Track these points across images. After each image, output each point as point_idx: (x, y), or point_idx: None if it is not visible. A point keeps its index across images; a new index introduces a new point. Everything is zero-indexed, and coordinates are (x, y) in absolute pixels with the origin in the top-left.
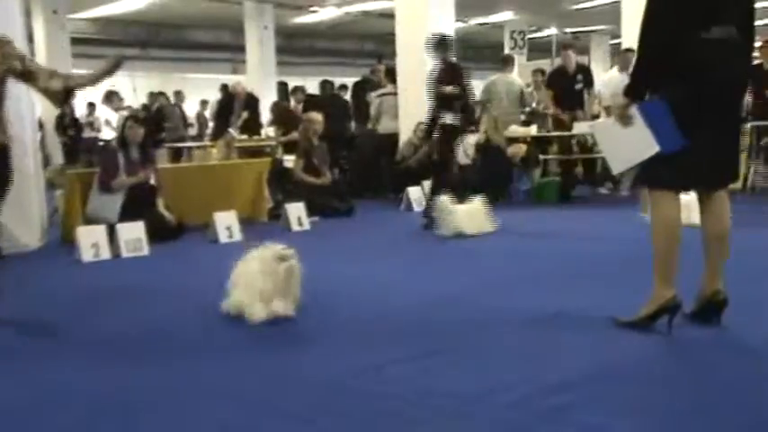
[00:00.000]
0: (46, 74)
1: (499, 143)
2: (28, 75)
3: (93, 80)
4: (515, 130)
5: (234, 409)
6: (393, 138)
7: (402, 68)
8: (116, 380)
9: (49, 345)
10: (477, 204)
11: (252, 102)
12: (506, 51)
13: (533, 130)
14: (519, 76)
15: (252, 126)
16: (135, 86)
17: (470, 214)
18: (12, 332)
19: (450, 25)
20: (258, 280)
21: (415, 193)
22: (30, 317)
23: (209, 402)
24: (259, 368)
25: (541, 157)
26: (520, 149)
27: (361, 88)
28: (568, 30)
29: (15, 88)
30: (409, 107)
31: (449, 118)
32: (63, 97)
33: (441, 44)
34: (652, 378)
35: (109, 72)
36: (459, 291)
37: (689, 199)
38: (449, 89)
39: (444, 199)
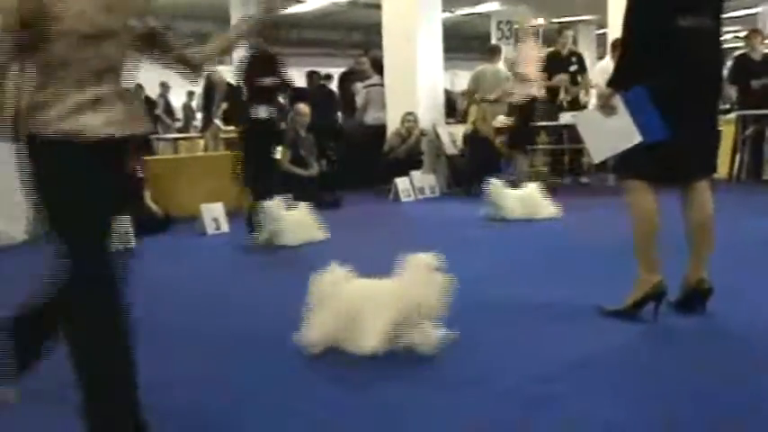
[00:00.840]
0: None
1: (487, 133)
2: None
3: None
4: (502, 120)
5: None
6: (380, 129)
7: (389, 59)
8: None
9: None
10: (303, 211)
11: (233, 92)
12: (493, 41)
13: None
14: (506, 65)
15: (235, 116)
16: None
17: (298, 222)
18: None
19: (437, 15)
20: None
21: (403, 184)
22: None
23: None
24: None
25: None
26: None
27: (348, 79)
28: (555, 20)
29: None
30: (396, 98)
31: (262, 112)
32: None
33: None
34: (638, 366)
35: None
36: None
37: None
38: (268, 81)
39: (272, 205)
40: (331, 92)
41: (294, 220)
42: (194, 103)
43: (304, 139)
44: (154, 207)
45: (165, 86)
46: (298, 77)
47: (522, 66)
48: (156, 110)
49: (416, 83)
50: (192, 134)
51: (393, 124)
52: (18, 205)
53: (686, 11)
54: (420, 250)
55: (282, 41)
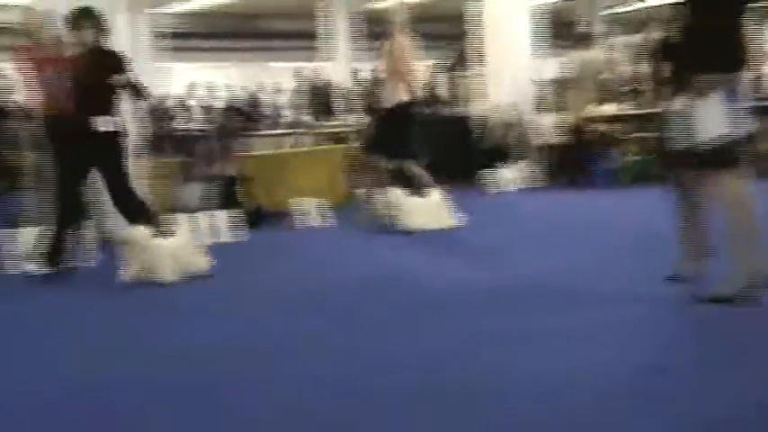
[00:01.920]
0: None
1: (581, 123)
2: None
3: None
4: (596, 109)
5: None
6: (470, 120)
7: (479, 50)
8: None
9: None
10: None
11: (323, 88)
12: (587, 28)
13: (612, 108)
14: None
15: (325, 112)
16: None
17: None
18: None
19: (527, 4)
20: None
21: (497, 175)
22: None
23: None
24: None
25: (622, 136)
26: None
27: (440, 71)
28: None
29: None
30: (491, 88)
31: (102, 123)
32: None
33: (81, 20)
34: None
35: None
36: (532, 274)
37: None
38: (122, 79)
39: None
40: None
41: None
42: (283, 100)
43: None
44: (248, 202)
45: (260, 85)
46: None
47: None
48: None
49: (507, 73)
50: (283, 130)
51: (483, 115)
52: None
53: None
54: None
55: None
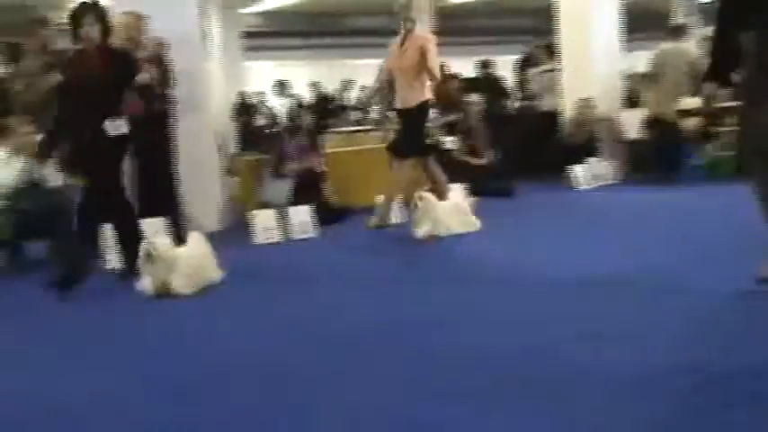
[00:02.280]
0: None
1: (670, 117)
2: None
3: None
4: (688, 102)
5: None
6: (555, 115)
7: (564, 43)
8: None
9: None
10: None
11: None
12: (678, 20)
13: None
14: (697, 44)
15: None
16: (302, 76)
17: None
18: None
19: None
20: None
21: (580, 171)
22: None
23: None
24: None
25: (714, 130)
26: (694, 123)
27: (523, 66)
28: None
29: (193, 71)
30: (572, 83)
31: (112, 127)
32: None
33: (87, 15)
34: None
35: None
36: (615, 270)
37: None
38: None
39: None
40: (497, 79)
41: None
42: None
43: (476, 129)
44: (332, 198)
45: (347, 83)
46: (467, 66)
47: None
48: (331, 104)
49: (592, 67)
50: (367, 126)
51: (569, 110)
52: (211, 197)
53: None
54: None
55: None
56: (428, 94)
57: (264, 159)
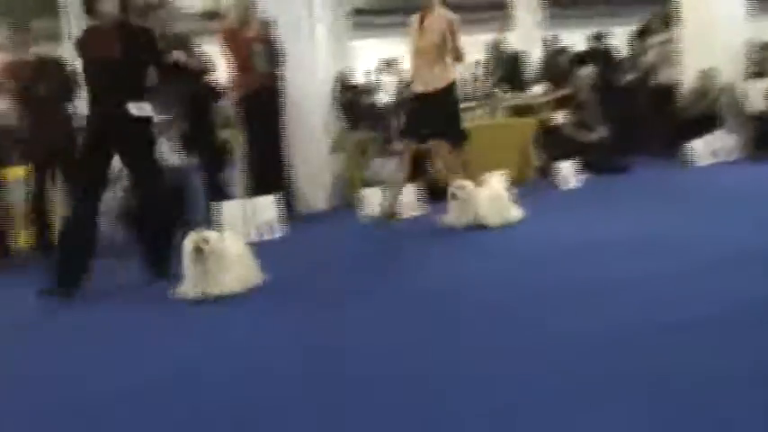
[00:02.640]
0: None
1: None
2: None
3: None
4: None
5: None
6: (671, 88)
7: (684, 11)
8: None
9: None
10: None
11: (512, 59)
12: None
13: None
14: None
15: (516, 84)
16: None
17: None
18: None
19: None
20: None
21: (699, 146)
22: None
23: None
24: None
25: None
26: None
27: (637, 37)
28: None
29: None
30: (692, 54)
31: (136, 109)
32: None
33: None
34: None
35: None
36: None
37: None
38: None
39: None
40: (610, 51)
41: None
42: (472, 74)
43: (587, 102)
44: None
45: None
46: (579, 39)
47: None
48: None
49: (715, 35)
50: (473, 103)
51: (688, 82)
52: (319, 175)
53: None
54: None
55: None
56: (453, 75)
57: (372, 137)
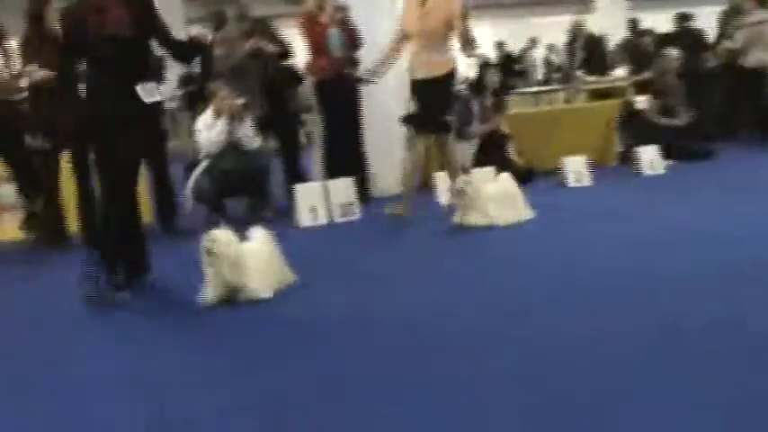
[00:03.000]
0: None
1: None
2: None
3: None
4: None
5: None
6: (763, 72)
7: None
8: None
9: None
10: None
11: (594, 42)
12: None
13: None
14: None
15: (598, 67)
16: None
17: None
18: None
19: None
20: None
21: None
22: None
23: None
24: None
25: None
26: None
27: (726, 17)
28: None
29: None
30: None
31: (143, 93)
32: None
33: None
34: None
35: None
36: None
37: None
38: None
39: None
40: (696, 33)
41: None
42: (553, 56)
43: (671, 86)
44: (517, 160)
45: (532, 41)
46: (663, 21)
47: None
48: (516, 66)
49: None
50: (553, 87)
51: None
52: (395, 159)
53: None
54: None
55: None
56: (455, 61)
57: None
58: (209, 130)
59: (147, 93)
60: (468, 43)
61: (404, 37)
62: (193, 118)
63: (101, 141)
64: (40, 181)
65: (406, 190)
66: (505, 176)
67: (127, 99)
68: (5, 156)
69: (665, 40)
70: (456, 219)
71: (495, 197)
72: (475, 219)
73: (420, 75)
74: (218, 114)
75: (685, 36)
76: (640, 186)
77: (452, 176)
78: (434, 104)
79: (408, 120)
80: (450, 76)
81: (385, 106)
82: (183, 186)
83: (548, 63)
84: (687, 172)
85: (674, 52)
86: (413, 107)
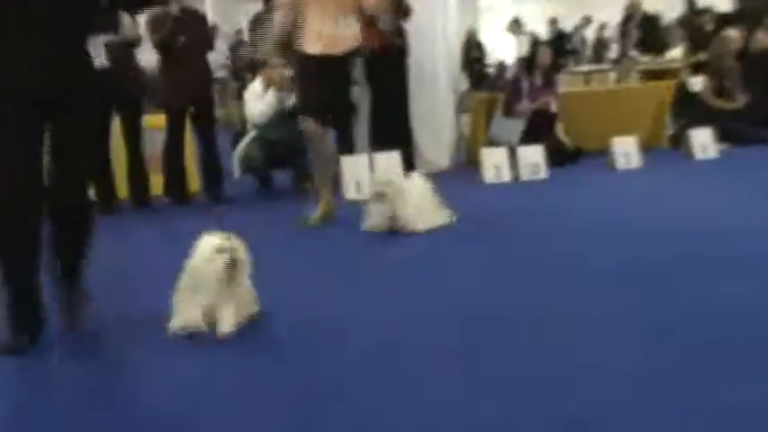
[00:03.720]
0: None
1: None
2: None
3: None
4: None
5: None
6: None
7: None
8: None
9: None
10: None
11: (649, 21)
12: None
13: None
14: None
15: (653, 46)
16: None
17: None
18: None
19: None
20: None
21: None
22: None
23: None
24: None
25: None
26: None
27: None
28: None
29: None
30: None
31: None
32: None
33: None
34: None
35: None
36: None
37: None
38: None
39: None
40: (759, 11)
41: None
42: (606, 35)
43: (729, 68)
44: (565, 140)
45: (586, 19)
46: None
47: None
48: (568, 44)
49: None
50: (604, 66)
51: None
52: (443, 134)
53: None
54: None
55: None
56: (359, 38)
57: (497, 97)
58: (257, 100)
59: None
60: (393, 11)
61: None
62: (242, 88)
63: None
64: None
65: (323, 191)
66: (419, 178)
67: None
68: None
69: (724, 19)
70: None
71: (412, 200)
72: (381, 223)
73: (317, 50)
74: (267, 85)
75: (746, 14)
76: (690, 170)
77: (324, 171)
78: (337, 86)
79: (308, 108)
80: (352, 54)
81: (436, 81)
82: (230, 155)
83: (600, 42)
84: (740, 156)
85: (733, 33)
86: (306, 91)
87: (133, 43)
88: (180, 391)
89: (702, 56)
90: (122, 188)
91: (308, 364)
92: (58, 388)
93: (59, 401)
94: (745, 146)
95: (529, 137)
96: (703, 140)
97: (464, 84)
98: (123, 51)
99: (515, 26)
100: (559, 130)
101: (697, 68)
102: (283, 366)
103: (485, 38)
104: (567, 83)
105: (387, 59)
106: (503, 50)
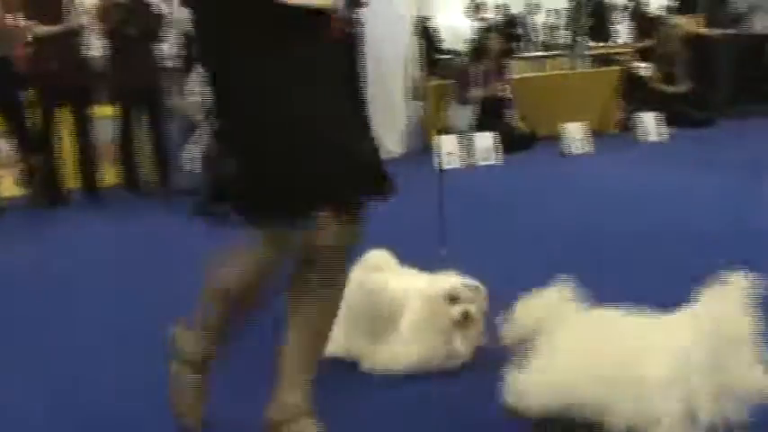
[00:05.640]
0: None
1: None
2: None
3: None
4: None
5: None
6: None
7: None
8: None
9: None
10: None
11: (596, 6)
12: None
13: None
14: None
15: (600, 33)
16: None
17: None
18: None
19: None
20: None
21: None
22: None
23: None
24: None
25: None
26: None
27: None
28: None
29: None
30: None
31: None
32: None
33: None
34: None
35: None
36: None
37: None
38: None
39: None
40: None
41: None
42: (556, 21)
43: (674, 54)
44: (519, 125)
45: (532, 6)
46: None
47: None
48: (515, 30)
49: None
50: (556, 52)
51: None
52: (396, 120)
53: None
54: None
55: None
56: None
57: (449, 84)
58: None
59: None
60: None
61: None
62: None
63: None
64: (39, 136)
65: None
66: None
67: None
68: (2, 111)
69: (670, 7)
70: None
71: None
72: None
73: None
74: None
75: (691, 2)
76: (641, 153)
77: None
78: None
79: None
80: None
81: (389, 68)
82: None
83: (550, 28)
84: (686, 139)
85: (678, 19)
86: None
87: (77, 32)
88: None
89: (648, 42)
90: (72, 178)
91: None
92: None
93: None
94: (687, 128)
95: (482, 123)
96: (651, 124)
97: (419, 70)
98: (67, 40)
99: (476, 11)
100: (514, 115)
101: (644, 54)
102: None
103: (442, 23)
104: (520, 68)
105: (340, 47)
106: (459, 36)
